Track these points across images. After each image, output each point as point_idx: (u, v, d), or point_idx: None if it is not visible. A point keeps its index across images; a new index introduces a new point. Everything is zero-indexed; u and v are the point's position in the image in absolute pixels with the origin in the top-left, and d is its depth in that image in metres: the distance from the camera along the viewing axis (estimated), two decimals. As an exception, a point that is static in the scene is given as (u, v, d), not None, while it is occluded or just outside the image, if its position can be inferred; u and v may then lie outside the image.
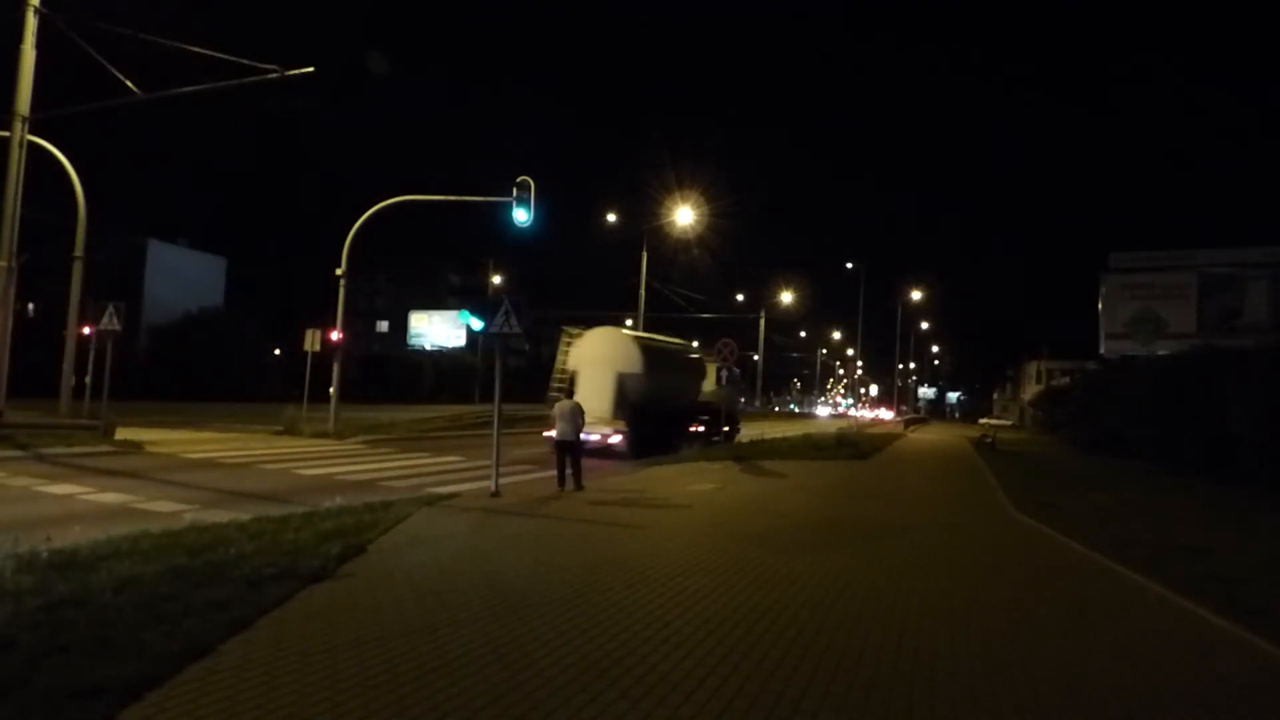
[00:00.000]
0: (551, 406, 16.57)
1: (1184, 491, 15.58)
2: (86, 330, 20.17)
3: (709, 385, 25.99)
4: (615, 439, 18.99)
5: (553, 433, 13.00)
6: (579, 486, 11.98)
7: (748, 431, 29.21)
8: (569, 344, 21.56)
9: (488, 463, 11.52)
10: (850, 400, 77.74)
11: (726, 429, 25.75)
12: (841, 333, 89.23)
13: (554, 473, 12.14)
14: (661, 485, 13.31)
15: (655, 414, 20.65)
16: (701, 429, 24.32)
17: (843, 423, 49.62)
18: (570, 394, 19.19)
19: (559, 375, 21.31)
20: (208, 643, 4.33)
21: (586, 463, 12.54)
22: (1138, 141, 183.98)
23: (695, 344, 30.82)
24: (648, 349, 21.52)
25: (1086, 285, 51.22)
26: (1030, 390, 74.89)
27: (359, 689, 3.94)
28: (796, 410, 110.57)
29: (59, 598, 4.83)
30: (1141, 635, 5.71)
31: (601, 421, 18.76)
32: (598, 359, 20.34)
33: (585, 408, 13.60)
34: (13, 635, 4.19)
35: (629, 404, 19.77)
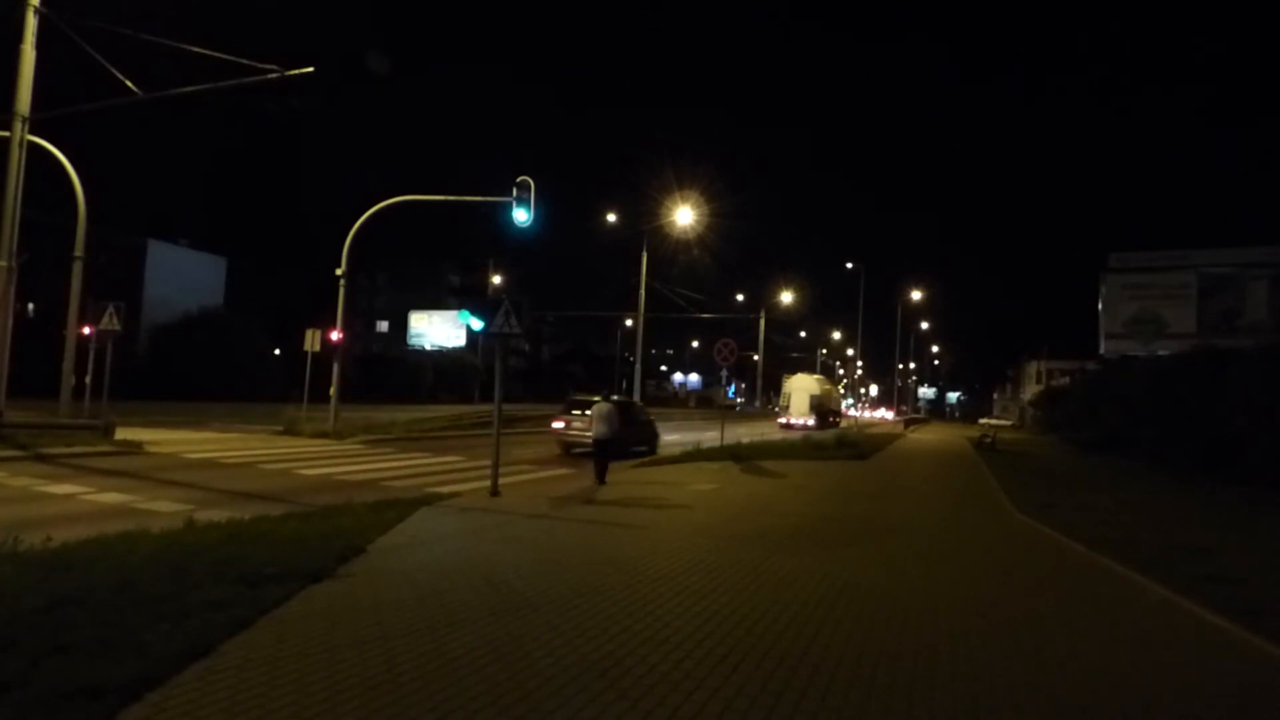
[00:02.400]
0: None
1: (1184, 491, 15.58)
2: (86, 330, 20.16)
3: (835, 400, 53.12)
4: (812, 422, 40.72)
5: (784, 419, 41.77)
6: (601, 481, 12.97)
7: (748, 431, 31.17)
8: (788, 379, 47.34)
9: (488, 463, 11.51)
10: (850, 400, 78.48)
11: (840, 423, 48.20)
12: (841, 333, 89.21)
13: (555, 472, 12.18)
14: (661, 485, 13.31)
15: (820, 412, 43.48)
16: (831, 420, 47.00)
17: (843, 423, 49.71)
18: (787, 407, 45.84)
19: (785, 395, 46.28)
20: (208, 643, 4.33)
21: (792, 434, 28.32)
22: (1138, 141, 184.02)
23: (821, 377, 56.13)
24: (818, 383, 48.19)
25: (1086, 285, 51.29)
26: (1030, 390, 74.93)
27: (359, 689, 3.94)
28: None
29: (59, 598, 4.82)
30: (1141, 635, 5.71)
31: (804, 415, 42.96)
32: (800, 388, 46.03)
33: (795, 411, 42.82)
34: (13, 635, 4.18)
35: (813, 408, 43.36)
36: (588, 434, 16.06)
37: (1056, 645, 5.31)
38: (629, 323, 62.62)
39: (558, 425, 20.25)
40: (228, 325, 47.57)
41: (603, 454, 13.31)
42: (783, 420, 44.37)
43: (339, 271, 22.35)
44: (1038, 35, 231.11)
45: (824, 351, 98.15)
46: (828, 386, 51.27)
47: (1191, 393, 18.75)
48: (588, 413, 16.56)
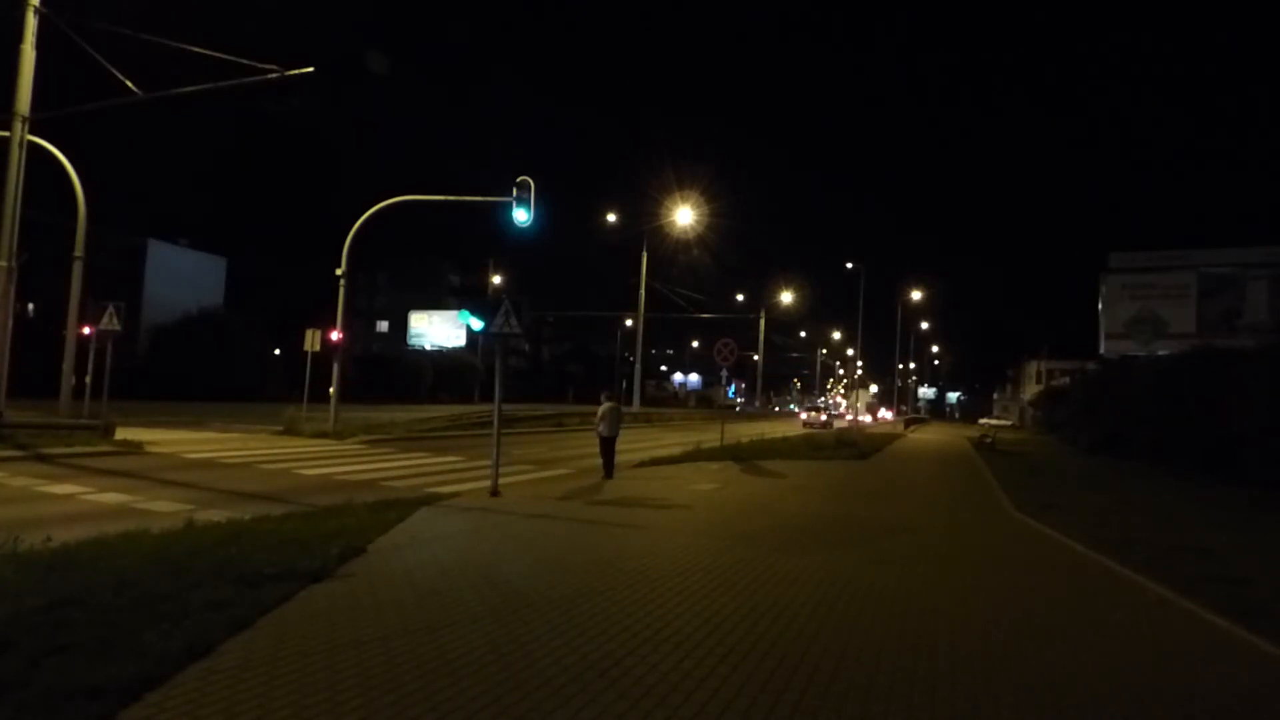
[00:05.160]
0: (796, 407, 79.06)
1: (1184, 491, 15.57)
2: (86, 330, 20.16)
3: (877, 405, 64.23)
4: (869, 419, 45.75)
5: (849, 416, 52.39)
6: (608, 475, 13.77)
7: (747, 431, 30.82)
8: (854, 391, 57.91)
9: (488, 463, 11.52)
10: (822, 398, 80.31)
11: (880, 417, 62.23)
12: (841, 333, 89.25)
13: (555, 472, 12.26)
14: (661, 485, 13.31)
15: (872, 413, 50.49)
16: (876, 418, 57.14)
17: (842, 423, 49.85)
18: (855, 409, 49.77)
19: (851, 403, 55.90)
20: (208, 643, 4.33)
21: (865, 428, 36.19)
22: (1138, 142, 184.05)
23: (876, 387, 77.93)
24: (871, 394, 62.05)
25: (1086, 285, 51.34)
26: (1030, 390, 74.91)
27: (359, 689, 3.94)
28: (797, 410, 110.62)
29: (59, 598, 4.82)
30: (1141, 635, 5.71)
31: (864, 415, 45.38)
32: (862, 398, 50.39)
33: (857, 412, 46.43)
34: (13, 635, 4.18)
35: (868, 409, 47.29)
36: (810, 421, 45.91)
37: (1056, 645, 5.31)
38: (629, 323, 62.71)
39: (803, 416, 50.32)
40: (228, 325, 47.51)
41: (610, 448, 14.05)
42: (849, 417, 58.23)
43: (339, 271, 22.35)
44: (1037, 36, 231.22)
45: (824, 351, 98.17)
46: (875, 396, 74.26)
47: (1191, 393, 18.74)
48: (813, 413, 49.33)
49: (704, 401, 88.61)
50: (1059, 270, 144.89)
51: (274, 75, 16.44)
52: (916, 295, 54.80)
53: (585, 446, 19.91)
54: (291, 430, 21.16)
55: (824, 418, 48.02)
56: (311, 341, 23.13)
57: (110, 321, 19.07)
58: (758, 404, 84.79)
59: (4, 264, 14.59)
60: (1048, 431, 46.94)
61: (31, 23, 14.89)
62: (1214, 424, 17.27)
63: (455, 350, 72.88)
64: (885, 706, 4.09)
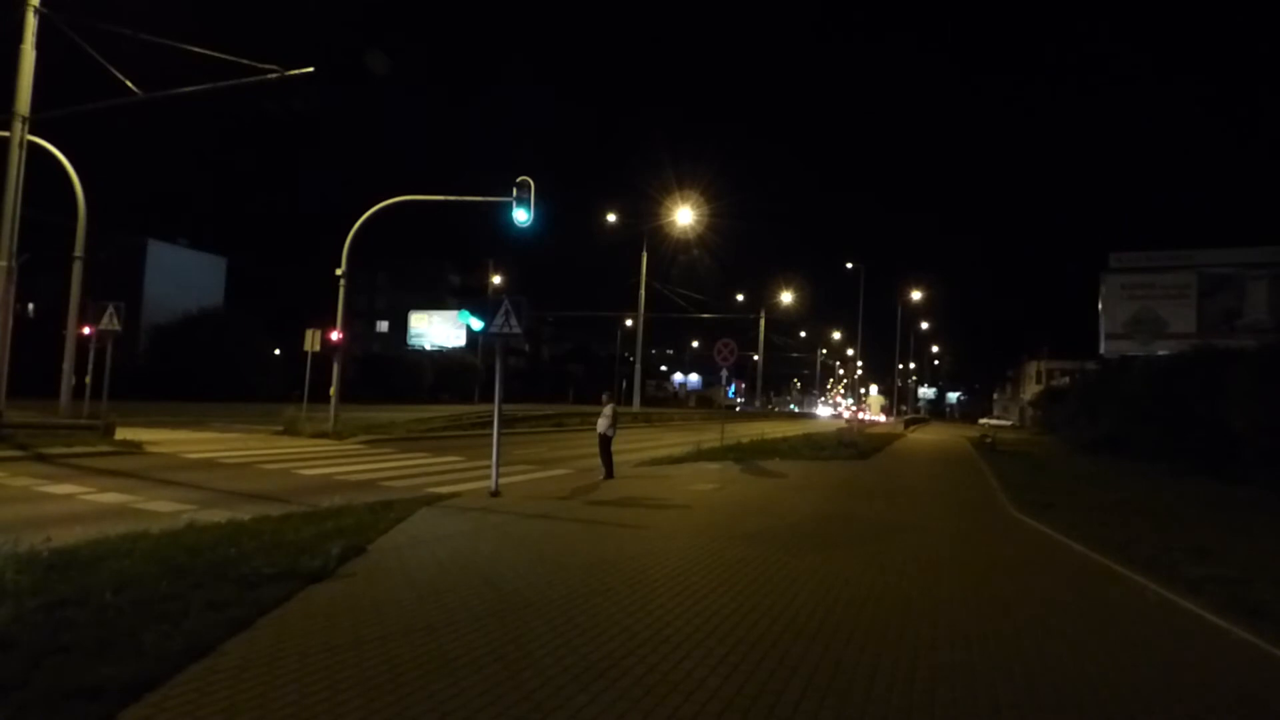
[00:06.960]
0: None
1: (1184, 491, 15.56)
2: (86, 330, 20.16)
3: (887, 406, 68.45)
4: (883, 418, 53.09)
5: (865, 416, 43.26)
6: (609, 475, 13.79)
7: (747, 431, 30.85)
8: (865, 395, 56.08)
9: (488, 463, 11.52)
10: (850, 401, 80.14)
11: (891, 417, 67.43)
12: (841, 333, 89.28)
13: (555, 472, 12.28)
14: (661, 485, 13.31)
15: (884, 412, 53.54)
16: (886, 417, 61.70)
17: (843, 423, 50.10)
18: (868, 409, 49.29)
19: (864, 402, 53.94)
20: (208, 643, 4.33)
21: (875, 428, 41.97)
22: (1137, 142, 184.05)
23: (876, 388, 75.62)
24: (884, 397, 61.32)
25: (1086, 285, 51.38)
26: (1030, 390, 75.01)
27: (359, 689, 3.94)
28: (796, 410, 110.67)
29: (59, 598, 4.82)
30: (1141, 636, 5.71)
31: (878, 415, 52.10)
32: (874, 400, 52.26)
33: (873, 412, 50.15)
34: (13, 635, 4.18)
35: (881, 409, 50.85)
36: (849, 420, 38.64)
37: (1056, 646, 5.31)
38: (629, 323, 62.76)
39: (844, 415, 54.98)
40: (228, 325, 47.47)
41: (608, 446, 14.11)
42: (864, 417, 62.09)
43: (339, 271, 22.34)
44: (1037, 35, 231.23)
45: (824, 351, 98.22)
46: (886, 398, 79.29)
47: (1191, 393, 18.76)
48: (843, 414, 61.47)
49: (704, 401, 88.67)
50: (1059, 271, 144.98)
51: (274, 75, 16.44)
52: (916, 295, 54.85)
53: (585, 446, 19.91)
54: (291, 430, 21.14)
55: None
56: (311, 341, 23.12)
57: (110, 321, 19.07)
58: (758, 404, 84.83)
59: (4, 264, 14.58)
60: (1048, 431, 46.95)
61: (31, 23, 14.88)
62: (1214, 424, 17.28)
63: (455, 350, 72.90)
64: (885, 707, 4.09)
